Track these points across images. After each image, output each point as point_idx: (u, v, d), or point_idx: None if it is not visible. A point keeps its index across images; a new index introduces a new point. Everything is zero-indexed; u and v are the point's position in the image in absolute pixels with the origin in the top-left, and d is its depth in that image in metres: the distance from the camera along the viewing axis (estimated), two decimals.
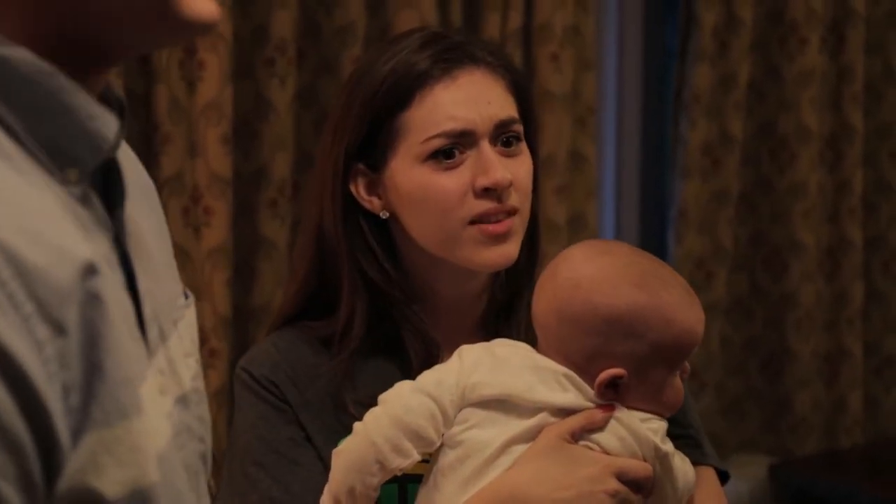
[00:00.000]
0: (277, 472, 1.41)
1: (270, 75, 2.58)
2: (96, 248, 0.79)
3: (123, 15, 0.78)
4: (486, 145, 1.44)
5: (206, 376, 2.50)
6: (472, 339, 1.44)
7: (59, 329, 0.70)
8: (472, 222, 1.42)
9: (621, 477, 1.31)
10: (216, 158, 2.49)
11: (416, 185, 1.44)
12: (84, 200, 0.81)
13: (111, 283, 0.79)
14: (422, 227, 1.45)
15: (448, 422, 1.32)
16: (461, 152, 1.43)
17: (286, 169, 2.60)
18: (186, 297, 1.01)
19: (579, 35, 3.02)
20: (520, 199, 1.45)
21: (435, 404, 1.31)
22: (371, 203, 1.47)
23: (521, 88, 1.51)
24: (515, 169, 1.45)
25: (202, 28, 0.81)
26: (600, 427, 1.32)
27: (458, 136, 1.43)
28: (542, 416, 1.31)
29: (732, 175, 3.30)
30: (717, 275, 3.31)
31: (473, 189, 1.42)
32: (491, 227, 1.42)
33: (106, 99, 0.85)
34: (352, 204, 1.48)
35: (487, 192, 1.42)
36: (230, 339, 2.55)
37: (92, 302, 0.74)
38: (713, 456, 1.52)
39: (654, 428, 1.34)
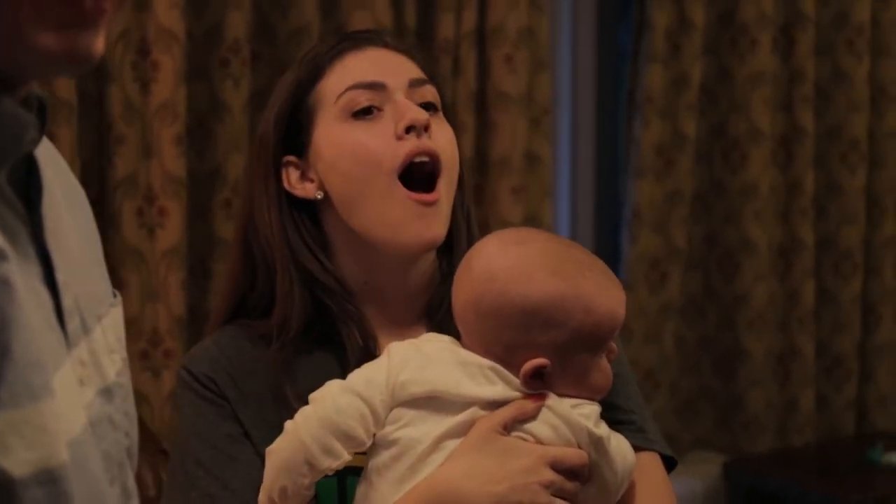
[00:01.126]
0: (216, 469, 1.40)
1: (225, 76, 2.58)
2: (9, 239, 0.81)
3: None
4: (401, 97, 1.45)
5: (160, 377, 2.49)
6: (416, 332, 1.44)
7: None
8: (402, 180, 1.41)
9: (556, 466, 1.29)
10: (170, 159, 2.48)
11: (339, 146, 1.44)
12: (0, 196, 0.82)
13: (24, 272, 0.81)
14: (352, 196, 1.44)
15: (379, 422, 1.30)
16: (379, 110, 1.44)
17: (241, 170, 2.59)
18: (115, 296, 1.02)
19: (533, 36, 3.03)
20: (444, 157, 1.44)
21: (365, 404, 1.29)
22: (304, 189, 1.47)
23: (433, 75, 1.52)
24: (437, 128, 1.45)
25: (59, 63, 0.81)
26: (532, 417, 1.30)
27: (369, 86, 1.44)
28: (473, 411, 1.30)
29: (686, 175, 3.32)
30: (672, 275, 3.33)
31: (395, 135, 1.42)
32: (418, 197, 1.41)
33: (28, 99, 0.87)
34: (285, 198, 1.48)
35: (408, 133, 1.42)
36: (185, 340, 2.54)
37: (3, 288, 0.76)
38: (658, 441, 1.48)
39: (585, 413, 1.32)
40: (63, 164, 1.03)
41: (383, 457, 1.31)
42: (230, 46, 2.57)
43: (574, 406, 1.32)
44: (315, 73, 1.48)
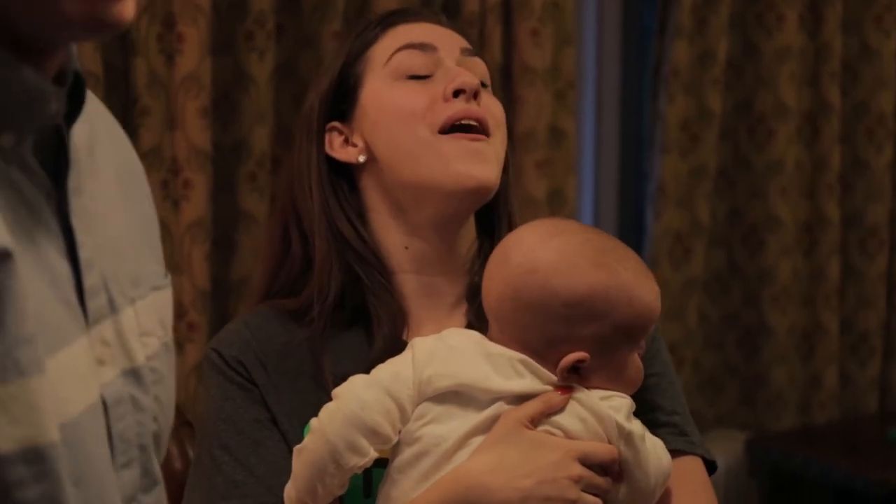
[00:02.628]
0: (242, 455, 1.38)
1: (250, 49, 2.57)
2: (27, 213, 0.81)
3: (10, 8, 0.79)
4: (451, 62, 1.45)
5: (184, 350, 2.50)
6: (458, 311, 1.44)
7: None
8: (445, 132, 1.40)
9: (585, 461, 1.25)
10: (195, 131, 2.48)
11: (387, 104, 1.44)
12: (21, 165, 0.82)
13: (38, 246, 0.81)
14: (395, 152, 1.42)
15: (405, 418, 1.27)
16: (430, 73, 1.44)
17: (265, 142, 2.59)
18: (165, 277, 1.01)
19: (559, 10, 3.01)
20: (492, 124, 1.43)
21: (391, 400, 1.26)
22: (347, 153, 1.46)
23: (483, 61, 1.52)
24: (488, 100, 1.45)
25: (85, 29, 0.81)
26: (559, 410, 1.27)
27: (420, 47, 1.45)
28: (499, 406, 1.27)
29: (711, 151, 3.31)
30: (696, 250, 3.32)
31: (443, 95, 1.42)
32: (469, 136, 1.40)
33: (63, 73, 0.86)
34: (328, 166, 1.47)
35: (456, 97, 1.41)
36: (209, 312, 2.55)
37: (1, 262, 0.75)
38: (701, 445, 1.45)
39: (615, 406, 1.29)
40: (124, 142, 1.02)
41: (406, 454, 1.28)
42: (255, 19, 2.56)
43: (603, 398, 1.29)
44: (365, 42, 1.48)
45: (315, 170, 1.47)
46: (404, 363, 1.29)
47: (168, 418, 0.99)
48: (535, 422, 1.26)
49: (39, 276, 0.80)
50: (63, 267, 0.84)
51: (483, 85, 1.46)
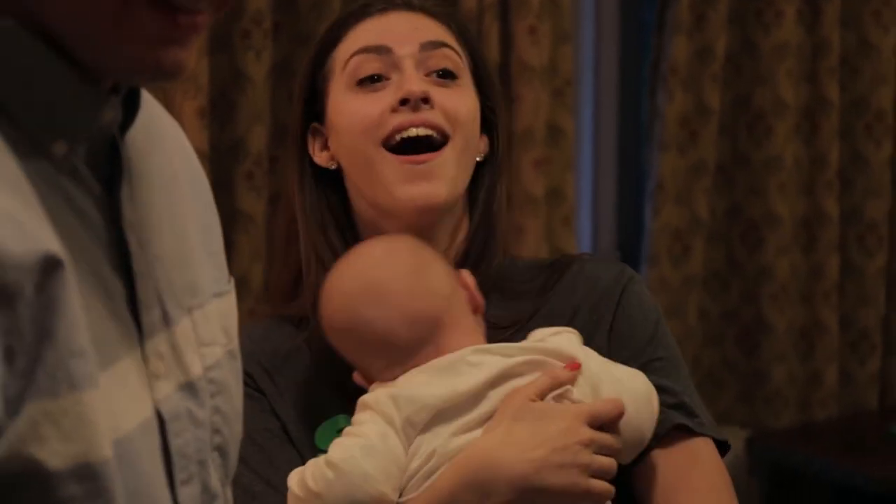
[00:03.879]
0: (258, 466, 1.37)
1: (247, 48, 2.56)
2: (79, 224, 0.79)
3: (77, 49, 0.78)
4: (408, 66, 1.41)
5: None
6: None
7: (4, 294, 0.70)
8: (393, 149, 1.39)
9: (593, 423, 1.26)
10: (192, 131, 2.47)
11: (342, 115, 1.42)
12: (73, 175, 0.80)
13: (90, 258, 0.79)
14: (352, 165, 1.42)
15: (403, 470, 1.27)
16: (386, 78, 1.42)
17: (263, 142, 2.59)
18: (228, 282, 1.00)
19: (557, 7, 3.01)
20: (450, 125, 1.40)
21: (392, 463, 1.26)
22: (321, 158, 1.46)
23: (467, 38, 1.49)
24: (447, 97, 1.41)
25: (149, 76, 0.81)
26: (568, 383, 1.28)
27: (374, 50, 1.42)
28: (489, 395, 1.28)
29: (709, 147, 3.30)
30: (695, 247, 3.31)
31: (391, 106, 1.40)
32: (412, 158, 1.38)
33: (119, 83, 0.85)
34: (309, 167, 1.46)
35: (404, 105, 1.39)
36: None
37: (53, 272, 0.73)
38: (710, 425, 1.42)
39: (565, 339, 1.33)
40: (185, 146, 1.01)
41: (413, 482, 1.27)
42: (252, 18, 2.56)
43: (553, 335, 1.34)
44: (328, 43, 1.47)
45: (296, 174, 1.46)
46: (376, 421, 1.27)
47: (233, 429, 0.97)
48: (542, 397, 1.27)
49: (91, 288, 0.78)
50: (115, 279, 0.83)
51: (449, 76, 1.43)
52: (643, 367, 1.38)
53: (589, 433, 1.25)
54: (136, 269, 0.85)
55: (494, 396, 1.28)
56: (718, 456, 1.42)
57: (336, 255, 1.41)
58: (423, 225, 1.41)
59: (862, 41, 3.49)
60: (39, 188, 0.77)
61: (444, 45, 1.44)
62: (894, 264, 3.61)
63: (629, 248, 3.39)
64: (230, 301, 1.00)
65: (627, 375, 1.34)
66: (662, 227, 3.25)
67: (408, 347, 1.30)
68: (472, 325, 1.35)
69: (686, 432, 1.38)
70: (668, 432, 1.37)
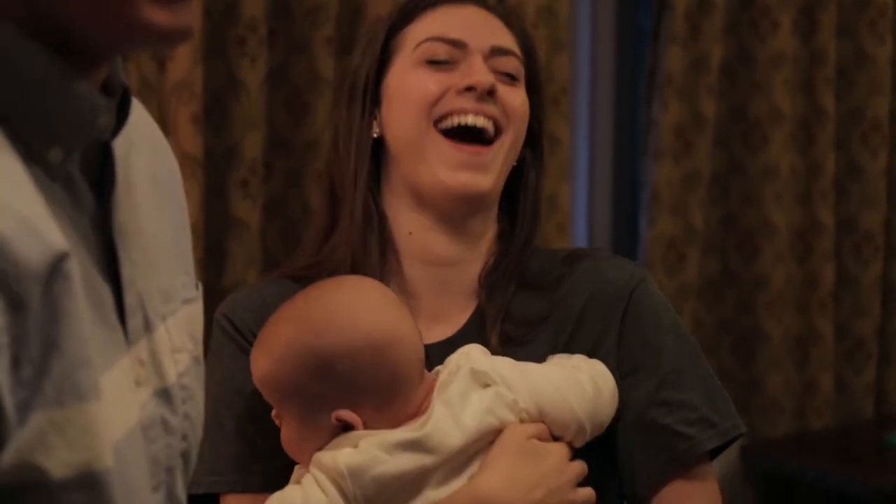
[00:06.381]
0: (256, 428, 1.39)
1: (241, 54, 2.56)
2: (72, 231, 0.78)
3: (83, 14, 0.77)
4: (477, 57, 1.44)
5: None
6: (465, 312, 1.44)
7: (15, 302, 0.69)
8: (445, 133, 1.41)
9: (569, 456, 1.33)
10: (187, 138, 2.47)
11: (403, 86, 1.45)
12: (66, 182, 0.80)
13: (85, 267, 0.79)
14: (398, 137, 1.43)
15: None
16: (454, 61, 1.44)
17: (257, 149, 2.58)
18: (196, 288, 1.00)
19: (553, 15, 3.01)
20: (506, 119, 1.43)
21: None
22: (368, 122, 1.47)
23: (528, 49, 1.52)
24: (508, 92, 1.45)
25: (161, 36, 0.80)
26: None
27: (450, 42, 1.45)
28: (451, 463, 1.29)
29: (704, 157, 3.30)
30: (690, 257, 3.31)
31: (456, 89, 1.42)
32: (467, 149, 1.40)
33: (110, 86, 0.85)
34: (363, 131, 1.48)
35: (467, 92, 1.42)
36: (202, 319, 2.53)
37: (59, 280, 0.73)
38: (731, 424, 1.44)
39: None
40: (164, 148, 1.01)
41: None
42: (247, 24, 2.56)
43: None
44: (407, 17, 1.49)
45: (356, 135, 1.47)
46: (327, 490, 1.27)
47: (197, 434, 0.97)
48: (541, 438, 1.31)
49: (85, 295, 0.78)
50: (104, 287, 0.82)
51: (513, 78, 1.46)
52: (659, 387, 1.40)
53: (572, 470, 1.32)
54: (123, 276, 0.84)
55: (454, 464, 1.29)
56: (710, 480, 1.45)
57: (371, 221, 1.43)
58: (457, 213, 1.43)
59: (858, 51, 3.50)
60: (42, 194, 0.76)
61: (512, 52, 1.48)
62: (890, 274, 3.62)
63: (624, 256, 3.38)
64: (198, 307, 1.00)
65: (544, 378, 1.35)
66: (657, 236, 3.26)
67: (402, 391, 1.30)
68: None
69: (709, 450, 1.42)
70: (695, 461, 1.42)
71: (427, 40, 1.45)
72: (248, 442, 1.39)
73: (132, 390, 0.84)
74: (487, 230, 1.48)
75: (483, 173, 1.41)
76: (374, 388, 1.28)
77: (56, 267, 0.73)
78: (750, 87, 3.37)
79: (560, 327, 1.43)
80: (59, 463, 0.73)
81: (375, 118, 1.46)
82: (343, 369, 1.28)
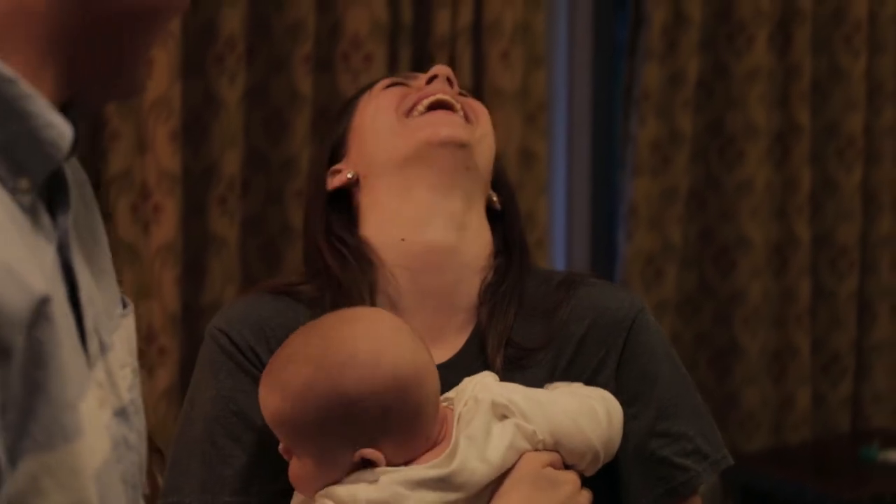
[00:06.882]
0: (253, 450, 1.37)
1: (220, 72, 2.56)
2: (46, 265, 0.77)
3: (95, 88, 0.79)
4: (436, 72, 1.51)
5: (155, 375, 2.48)
6: (459, 335, 1.44)
7: (2, 351, 0.69)
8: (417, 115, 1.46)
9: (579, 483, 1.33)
10: (165, 155, 2.47)
11: (371, 104, 1.50)
12: (31, 211, 0.78)
13: (60, 304, 0.77)
14: (374, 142, 1.46)
15: None
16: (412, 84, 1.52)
17: (236, 166, 2.58)
18: (125, 305, 0.97)
19: (529, 32, 3.02)
20: (473, 116, 1.47)
21: None
22: (339, 179, 1.48)
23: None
24: (469, 100, 1.50)
25: (163, 12, 0.83)
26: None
27: (405, 79, 1.53)
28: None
29: (682, 172, 3.31)
30: (667, 272, 3.32)
31: (417, 87, 1.50)
32: (437, 112, 1.45)
33: (65, 108, 0.83)
34: (327, 199, 1.50)
35: (429, 85, 1.48)
36: (180, 337, 2.53)
37: (42, 324, 0.72)
38: (721, 456, 1.45)
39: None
40: (75, 162, 0.97)
41: None
42: (226, 42, 2.56)
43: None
44: (360, 93, 1.56)
45: (314, 204, 1.51)
46: None
47: (145, 445, 0.96)
48: (555, 467, 1.31)
49: (66, 335, 0.77)
50: (70, 314, 0.80)
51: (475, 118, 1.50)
52: (657, 417, 1.42)
53: (585, 498, 1.33)
54: (82, 301, 0.82)
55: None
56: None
57: (347, 244, 1.45)
58: (446, 165, 1.43)
59: (833, 66, 3.52)
60: (18, 231, 0.74)
61: (471, 95, 1.55)
62: (866, 288, 3.63)
63: (602, 272, 3.39)
64: (132, 319, 0.97)
65: (561, 409, 1.35)
66: (635, 252, 3.26)
67: (424, 426, 1.28)
68: None
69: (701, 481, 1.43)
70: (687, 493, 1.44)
71: (387, 87, 1.52)
72: (245, 463, 1.38)
73: (99, 414, 0.83)
74: (481, 219, 1.47)
75: (461, 128, 1.44)
76: (397, 424, 1.25)
77: (39, 312, 0.71)
78: (726, 101, 3.38)
79: (559, 353, 1.42)
80: None
81: (341, 171, 1.49)
82: (367, 408, 1.23)
